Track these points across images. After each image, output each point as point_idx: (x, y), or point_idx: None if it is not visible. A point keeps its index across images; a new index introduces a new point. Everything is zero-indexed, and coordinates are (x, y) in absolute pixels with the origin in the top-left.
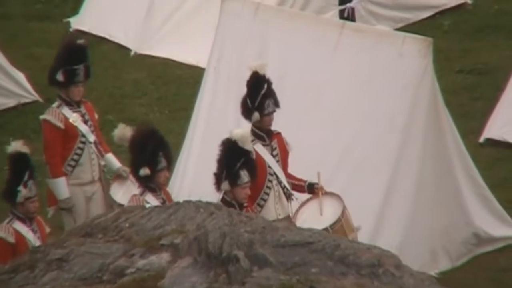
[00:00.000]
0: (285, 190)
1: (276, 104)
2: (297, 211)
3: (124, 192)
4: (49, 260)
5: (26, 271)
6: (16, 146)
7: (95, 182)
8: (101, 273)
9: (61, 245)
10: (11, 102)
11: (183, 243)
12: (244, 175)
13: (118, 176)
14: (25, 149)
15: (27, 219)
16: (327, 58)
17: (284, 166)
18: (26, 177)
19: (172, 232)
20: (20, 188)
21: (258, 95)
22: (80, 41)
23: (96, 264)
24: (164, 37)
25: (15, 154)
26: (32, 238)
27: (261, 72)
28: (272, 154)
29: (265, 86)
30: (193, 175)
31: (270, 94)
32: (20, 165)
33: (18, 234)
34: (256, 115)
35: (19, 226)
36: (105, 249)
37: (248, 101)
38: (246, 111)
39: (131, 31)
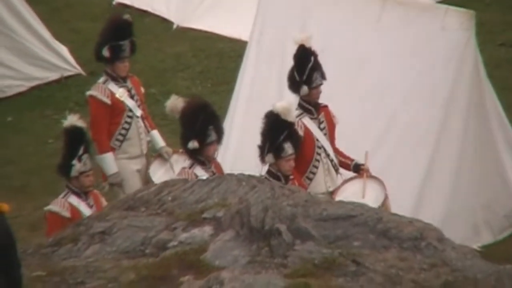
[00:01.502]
0: (333, 163)
1: (323, 76)
2: (338, 187)
3: (163, 173)
4: (92, 233)
5: (69, 244)
6: (72, 120)
7: (143, 156)
8: (144, 246)
9: (103, 219)
10: (54, 75)
11: (225, 217)
12: (288, 147)
13: (159, 156)
14: (80, 123)
15: (82, 193)
16: (369, 31)
17: (332, 139)
18: (81, 151)
19: (214, 205)
20: (75, 162)
21: (306, 68)
22: (126, 17)
23: (138, 237)
24: (206, 10)
25: (71, 128)
26: (87, 212)
27: (307, 44)
28: (319, 127)
29: (312, 58)
30: (236, 148)
31: (317, 66)
32: (75, 139)
33: (73, 208)
34: (304, 88)
35: (75, 201)
36: (148, 223)
37: (296, 74)
38: (294, 85)
39: (173, 4)
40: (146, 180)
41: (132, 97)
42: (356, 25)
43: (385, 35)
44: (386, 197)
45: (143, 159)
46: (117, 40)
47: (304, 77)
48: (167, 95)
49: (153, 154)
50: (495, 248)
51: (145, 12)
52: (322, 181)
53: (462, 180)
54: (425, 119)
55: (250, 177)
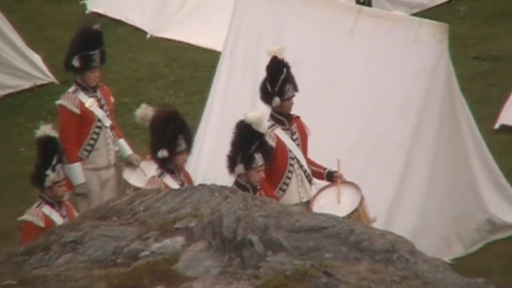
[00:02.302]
0: (306, 174)
1: (295, 88)
2: (314, 197)
3: (136, 178)
4: (64, 242)
5: (41, 253)
6: (45, 129)
7: (110, 167)
8: (115, 256)
9: (75, 228)
10: (27, 84)
11: (197, 227)
12: (259, 158)
13: (129, 163)
14: (53, 132)
15: (56, 203)
16: (343, 43)
17: (304, 150)
18: (54, 161)
19: (186, 215)
20: (49, 172)
21: (279, 80)
22: (96, 27)
23: (110, 247)
24: (180, 20)
25: (44, 137)
26: (60, 222)
27: (280, 56)
28: (292, 138)
29: (285, 70)
30: (208, 158)
31: (290, 78)
32: (49, 149)
33: (47, 218)
34: (276, 99)
35: (48, 210)
36: (120, 232)
37: (268, 85)
38: (266, 96)
39: (147, 14)
40: (120, 188)
41: (101, 107)
42: (330, 37)
43: (358, 48)
44: (362, 199)
45: (111, 170)
46: (87, 50)
47: (277, 89)
48: (140, 104)
49: (121, 164)
50: (467, 261)
51: (119, 21)
52: (295, 192)
53: (434, 193)
54: (397, 131)
55: (223, 187)
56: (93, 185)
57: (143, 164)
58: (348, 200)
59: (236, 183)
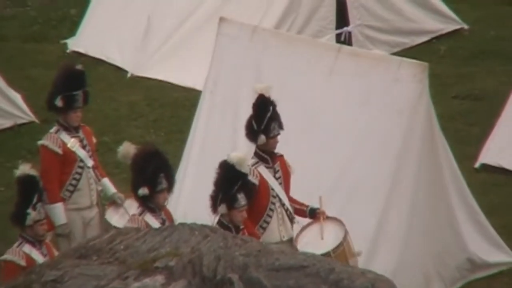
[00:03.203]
0: (288, 212)
1: (281, 126)
2: (298, 235)
3: (119, 218)
4: (44, 281)
5: None
6: (24, 168)
7: (93, 207)
8: None
9: (55, 267)
10: (7, 123)
11: (177, 266)
12: (241, 198)
13: (113, 202)
14: (33, 171)
15: (37, 242)
16: (323, 81)
17: (287, 188)
18: (35, 200)
19: (166, 254)
20: (30, 211)
21: (265, 118)
22: (78, 66)
23: (90, 286)
24: (160, 59)
25: (23, 176)
26: (41, 261)
27: (267, 94)
28: (275, 177)
29: (271, 108)
30: (188, 197)
31: (276, 116)
32: (29, 188)
33: (28, 257)
34: (262, 137)
35: (29, 250)
36: (100, 271)
37: (254, 123)
38: (252, 134)
39: (128, 53)
40: (102, 227)
41: (84, 147)
42: (310, 76)
43: (338, 86)
44: (346, 233)
45: (93, 210)
46: (71, 90)
47: (262, 126)
48: (121, 143)
49: (105, 202)
50: None
51: (99, 60)
52: (276, 230)
53: (414, 231)
54: (377, 170)
55: (203, 226)
56: (76, 225)
57: (127, 203)
58: (332, 235)
59: (219, 222)
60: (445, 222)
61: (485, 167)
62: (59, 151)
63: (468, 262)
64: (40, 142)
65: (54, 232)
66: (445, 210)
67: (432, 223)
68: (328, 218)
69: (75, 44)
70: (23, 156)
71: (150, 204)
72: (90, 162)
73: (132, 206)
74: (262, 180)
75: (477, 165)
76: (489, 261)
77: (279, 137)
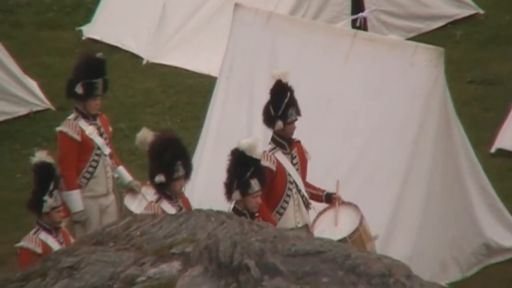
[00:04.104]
0: (304, 198)
1: (298, 112)
2: (314, 221)
3: (138, 204)
4: (60, 268)
5: (37, 279)
6: (41, 156)
7: (109, 195)
8: (112, 281)
9: (72, 253)
10: (23, 110)
11: (194, 252)
12: (255, 184)
13: (130, 190)
14: (49, 159)
15: (53, 229)
16: (338, 67)
17: (303, 174)
18: (51, 187)
19: (183, 240)
20: (46, 198)
21: (282, 104)
22: (99, 55)
23: (106, 272)
24: (176, 46)
25: (40, 164)
26: (58, 248)
27: (284, 80)
28: (292, 163)
29: (288, 94)
30: (204, 184)
31: (293, 102)
32: (45, 175)
33: (44, 244)
34: (279, 123)
35: (45, 237)
36: (116, 258)
37: (271, 109)
38: (269, 119)
39: (143, 40)
40: (119, 214)
41: (101, 135)
42: (326, 61)
43: (353, 72)
44: (362, 219)
45: (110, 197)
46: (91, 78)
47: (280, 112)
48: (136, 130)
49: (122, 190)
50: (463, 285)
51: (114, 47)
52: (292, 216)
53: (430, 217)
54: (393, 156)
55: (219, 212)
56: (92, 212)
57: (143, 190)
58: (347, 221)
59: (234, 209)
60: (461, 208)
61: (501, 152)
62: (78, 138)
63: (484, 247)
64: (58, 129)
65: (70, 219)
66: (461, 195)
67: (448, 208)
68: (343, 203)
69: (90, 31)
70: (39, 143)
71: (167, 191)
72: (107, 150)
73: (148, 193)
74: (279, 166)
75: (493, 150)
76: (506, 246)
77: (296, 123)
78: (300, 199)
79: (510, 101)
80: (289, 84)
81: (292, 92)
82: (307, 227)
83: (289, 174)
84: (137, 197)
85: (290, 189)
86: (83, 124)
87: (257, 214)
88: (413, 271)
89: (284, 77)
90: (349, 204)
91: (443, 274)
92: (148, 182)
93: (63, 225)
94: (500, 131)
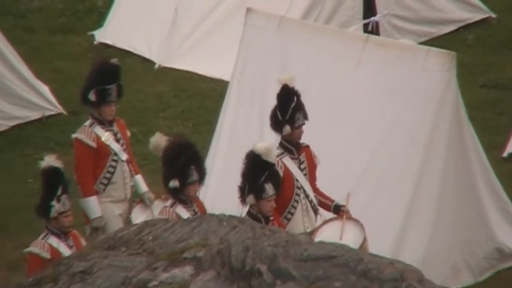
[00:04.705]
0: (312, 204)
1: (305, 116)
2: (318, 228)
3: (145, 219)
4: (72, 272)
5: (49, 284)
6: (49, 160)
7: (127, 201)
8: (124, 286)
9: (84, 258)
10: (35, 115)
11: (206, 256)
12: (269, 188)
13: (142, 201)
14: (57, 163)
15: (62, 234)
16: (350, 71)
17: (312, 179)
18: (59, 192)
19: (195, 245)
20: (54, 203)
21: (289, 108)
22: (113, 61)
23: (119, 277)
24: (187, 50)
25: (48, 168)
26: (67, 253)
27: (291, 84)
28: (300, 168)
29: (295, 98)
30: (217, 188)
31: (300, 106)
32: (53, 180)
33: (53, 249)
34: (287, 128)
35: (54, 242)
36: (128, 262)
37: (279, 114)
38: (276, 124)
39: (155, 44)
40: (128, 224)
41: (118, 140)
42: (337, 66)
43: (366, 76)
44: (365, 240)
45: (126, 203)
46: (104, 84)
47: (287, 117)
48: (148, 135)
49: (136, 199)
50: None
51: (126, 52)
52: (300, 222)
53: (442, 221)
54: (405, 159)
55: (231, 217)
56: (111, 217)
57: (155, 204)
58: (351, 238)
59: (249, 213)
60: (473, 212)
61: None
62: (93, 144)
63: (496, 252)
64: (74, 136)
65: (90, 226)
66: (473, 199)
67: (460, 213)
68: (351, 218)
69: (102, 35)
70: (51, 148)
71: (181, 196)
72: (124, 156)
73: (159, 207)
74: (287, 171)
75: (505, 154)
76: None
77: (305, 128)
78: (308, 204)
79: None
80: (296, 88)
81: (299, 96)
82: (310, 233)
83: (297, 180)
84: (146, 211)
85: (298, 194)
86: (98, 130)
87: (271, 218)
88: (425, 275)
89: (291, 81)
90: (356, 221)
91: (455, 278)
92: (163, 196)
93: (88, 231)
94: None
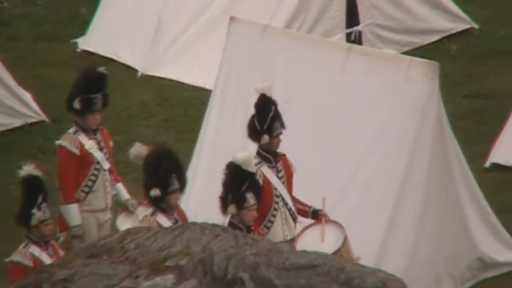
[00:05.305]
0: (291, 212)
1: (283, 125)
2: (298, 235)
3: (130, 225)
4: (55, 280)
5: None
6: (28, 169)
7: (107, 210)
8: None
9: (66, 266)
10: (17, 122)
11: (188, 265)
12: (250, 198)
13: (125, 209)
14: (37, 172)
15: (43, 242)
16: (333, 81)
17: (289, 188)
18: (39, 200)
19: (177, 253)
20: (34, 211)
21: (267, 118)
22: (101, 69)
23: (101, 285)
24: (171, 58)
25: (28, 177)
26: (49, 262)
27: (268, 94)
28: (277, 176)
29: (273, 108)
30: (199, 197)
31: (278, 115)
32: (33, 188)
33: (34, 258)
34: (265, 137)
35: (35, 250)
36: (110, 270)
37: (257, 123)
38: (255, 134)
39: (138, 52)
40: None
41: (101, 149)
42: (321, 75)
43: (348, 86)
44: (345, 239)
45: (107, 213)
46: (89, 93)
47: (265, 126)
48: (131, 143)
49: (119, 207)
50: None
51: (110, 59)
52: (280, 230)
53: (424, 231)
54: (388, 169)
55: (214, 225)
56: (89, 227)
57: (139, 210)
58: (332, 239)
59: (230, 223)
60: (455, 222)
61: (496, 166)
62: (77, 151)
63: (478, 262)
64: (57, 142)
65: (68, 233)
66: (456, 209)
67: (442, 222)
68: (329, 221)
69: (85, 43)
70: (34, 155)
71: (162, 205)
72: (106, 165)
73: (144, 213)
74: (265, 180)
75: (487, 164)
76: (500, 260)
77: (289, 136)
78: (287, 213)
79: (505, 116)
80: (273, 97)
81: (276, 105)
82: (292, 241)
83: (275, 188)
84: (131, 217)
85: (277, 203)
86: (82, 138)
87: (253, 228)
88: (408, 285)
89: (268, 90)
90: (334, 222)
91: None
92: (145, 202)
93: (61, 239)
94: (495, 146)
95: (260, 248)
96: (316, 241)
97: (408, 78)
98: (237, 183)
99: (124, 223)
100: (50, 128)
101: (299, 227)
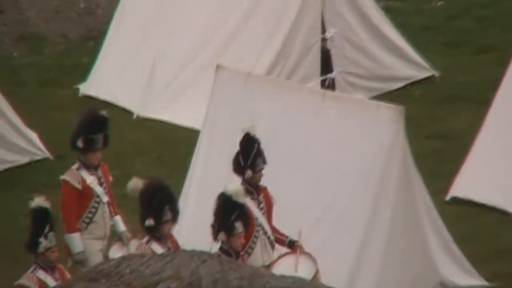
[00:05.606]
0: (269, 240)
1: (264, 161)
2: (274, 261)
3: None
4: None
5: None
6: (38, 201)
7: (106, 238)
8: None
9: None
10: (24, 159)
11: None
12: (239, 226)
13: (120, 240)
14: (46, 204)
15: (49, 268)
16: (309, 122)
17: (269, 218)
18: (46, 230)
19: (168, 278)
20: (42, 239)
21: (251, 154)
22: (102, 113)
23: None
24: (163, 102)
25: (37, 208)
26: (53, 284)
27: (252, 133)
28: (259, 207)
29: (256, 146)
30: (189, 227)
31: (260, 152)
32: (41, 219)
33: (41, 282)
34: (249, 172)
35: (42, 275)
36: None
37: (241, 159)
38: (239, 169)
39: (134, 96)
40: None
41: (101, 184)
42: (298, 117)
43: (323, 127)
44: (317, 271)
45: (105, 241)
46: (92, 133)
47: (249, 162)
48: (127, 177)
49: (115, 237)
50: None
51: (108, 103)
52: (259, 256)
53: (391, 259)
54: (358, 203)
55: (202, 252)
56: (92, 253)
57: (132, 243)
58: (305, 270)
59: (221, 249)
60: (419, 250)
61: (456, 199)
62: (79, 186)
63: (440, 286)
64: (62, 177)
65: (72, 259)
66: (420, 238)
67: (407, 250)
68: (304, 252)
69: (86, 88)
70: (38, 189)
71: (156, 234)
72: (105, 198)
73: (135, 246)
74: (248, 211)
75: (448, 198)
76: (460, 284)
77: (271, 171)
78: (266, 241)
79: (463, 154)
80: (256, 136)
81: (259, 143)
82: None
83: (257, 218)
84: (123, 249)
85: (258, 231)
86: (84, 174)
87: (242, 253)
88: None
89: (252, 130)
90: (308, 254)
91: None
92: (139, 236)
93: (69, 263)
94: (455, 181)
95: (243, 273)
96: (290, 269)
97: (376, 121)
98: (227, 212)
99: (116, 253)
100: (54, 165)
101: (276, 254)
